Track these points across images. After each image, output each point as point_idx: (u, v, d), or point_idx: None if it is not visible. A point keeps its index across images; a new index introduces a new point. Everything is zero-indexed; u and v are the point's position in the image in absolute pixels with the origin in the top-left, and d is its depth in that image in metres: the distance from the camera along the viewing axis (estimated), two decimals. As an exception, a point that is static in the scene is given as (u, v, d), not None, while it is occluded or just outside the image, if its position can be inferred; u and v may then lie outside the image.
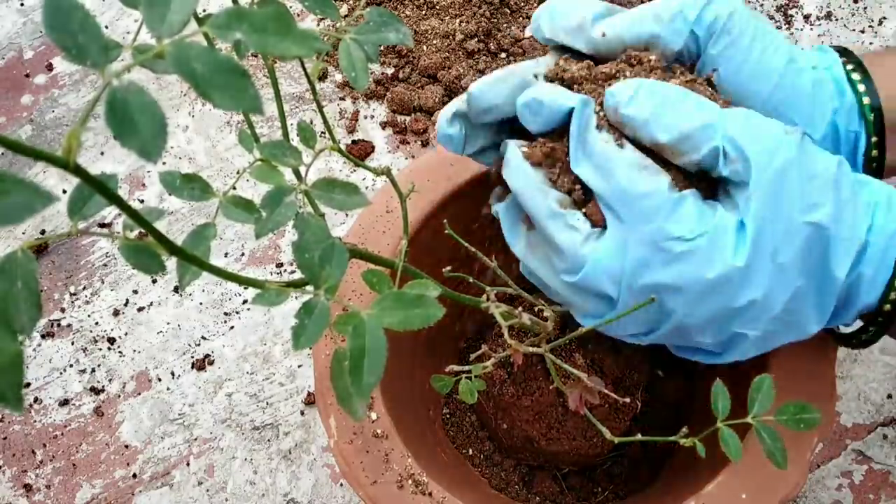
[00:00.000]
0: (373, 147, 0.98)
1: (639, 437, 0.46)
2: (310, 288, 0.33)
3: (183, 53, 0.20)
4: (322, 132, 0.91)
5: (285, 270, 0.92)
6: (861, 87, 0.54)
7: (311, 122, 1.01)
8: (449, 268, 0.51)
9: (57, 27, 0.21)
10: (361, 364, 0.29)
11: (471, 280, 0.52)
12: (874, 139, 0.54)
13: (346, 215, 0.93)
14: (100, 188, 0.22)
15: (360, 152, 0.99)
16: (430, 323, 0.30)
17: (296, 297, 0.33)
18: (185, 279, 0.33)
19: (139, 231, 0.33)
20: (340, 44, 0.32)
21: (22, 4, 1.14)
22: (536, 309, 0.53)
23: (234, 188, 0.40)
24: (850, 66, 0.54)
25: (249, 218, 0.32)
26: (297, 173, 0.36)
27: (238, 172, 0.98)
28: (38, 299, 0.30)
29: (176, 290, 0.92)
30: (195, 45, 0.20)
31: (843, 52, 0.56)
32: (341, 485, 0.81)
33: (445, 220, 0.52)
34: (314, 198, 0.34)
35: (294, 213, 0.32)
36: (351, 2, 1.10)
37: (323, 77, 1.04)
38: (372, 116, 1.01)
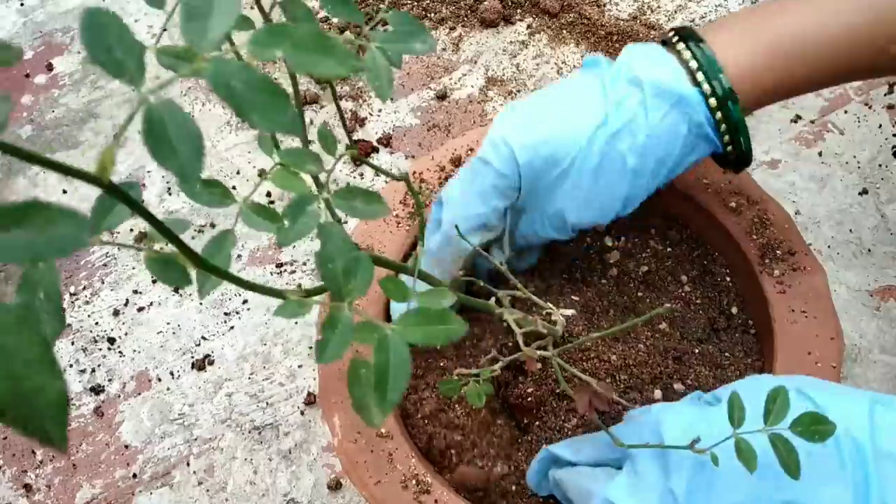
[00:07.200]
0: (374, 147, 0.98)
1: (649, 444, 0.46)
2: (322, 297, 0.33)
3: (222, 71, 0.20)
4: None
5: (285, 270, 0.92)
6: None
7: (312, 124, 1.01)
8: (462, 271, 0.51)
9: (94, 43, 0.20)
10: (386, 380, 0.29)
11: (481, 283, 0.52)
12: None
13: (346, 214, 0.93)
14: (133, 205, 0.22)
15: (361, 152, 0.98)
16: (453, 339, 0.29)
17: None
18: (206, 287, 0.32)
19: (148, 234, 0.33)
20: (366, 53, 0.31)
21: (22, 4, 1.13)
22: (545, 312, 0.53)
23: (244, 194, 0.40)
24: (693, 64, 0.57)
25: (271, 226, 0.32)
26: (316, 180, 0.36)
27: (238, 172, 0.98)
28: (60, 311, 0.29)
29: (176, 290, 0.92)
30: (234, 63, 0.20)
31: (683, 35, 0.59)
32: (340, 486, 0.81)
33: (456, 225, 0.52)
34: (335, 206, 0.34)
35: (317, 222, 0.32)
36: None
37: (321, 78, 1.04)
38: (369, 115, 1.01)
